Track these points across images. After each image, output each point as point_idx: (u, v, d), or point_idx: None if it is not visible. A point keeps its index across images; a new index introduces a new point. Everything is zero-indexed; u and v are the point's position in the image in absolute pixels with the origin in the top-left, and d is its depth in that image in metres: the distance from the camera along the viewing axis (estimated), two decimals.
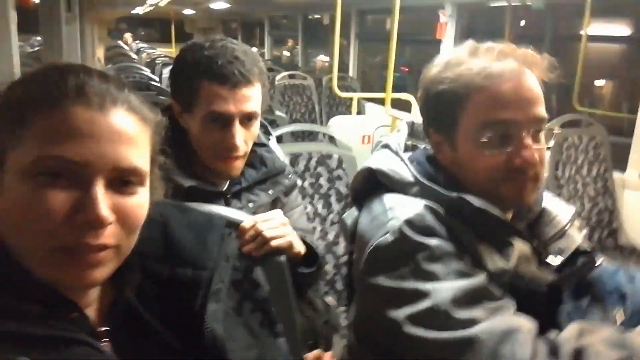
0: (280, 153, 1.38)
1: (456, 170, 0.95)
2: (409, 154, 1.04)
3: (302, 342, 1.09)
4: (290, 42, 9.90)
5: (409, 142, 1.10)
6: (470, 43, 0.95)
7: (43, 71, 0.63)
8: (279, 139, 2.03)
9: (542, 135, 0.91)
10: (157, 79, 4.79)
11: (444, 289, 0.82)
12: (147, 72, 4.96)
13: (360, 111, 4.70)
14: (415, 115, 1.01)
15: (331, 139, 2.30)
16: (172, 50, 11.57)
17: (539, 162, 0.89)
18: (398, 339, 0.83)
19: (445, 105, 0.92)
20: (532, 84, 0.89)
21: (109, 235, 0.59)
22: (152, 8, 9.81)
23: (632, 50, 4.47)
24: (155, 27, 15.44)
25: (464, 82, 0.90)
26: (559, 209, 1.03)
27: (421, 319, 0.81)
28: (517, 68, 0.89)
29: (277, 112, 3.36)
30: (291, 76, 5.80)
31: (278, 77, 5.64)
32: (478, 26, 5.16)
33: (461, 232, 0.88)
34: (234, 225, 1.01)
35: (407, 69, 7.20)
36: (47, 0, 3.58)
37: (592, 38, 3.81)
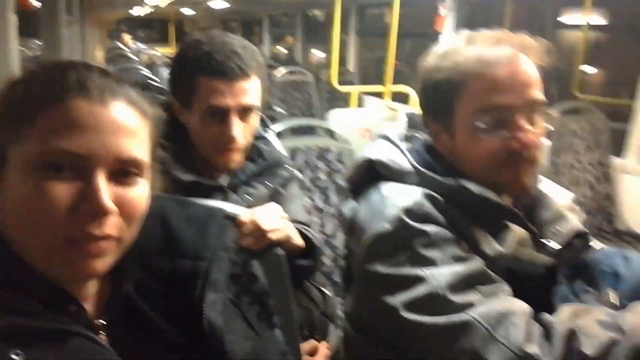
0: (280, 146, 1.38)
1: (455, 158, 0.95)
2: (408, 143, 1.05)
3: (298, 333, 1.10)
4: (289, 40, 9.89)
5: (408, 134, 1.11)
6: (466, 32, 0.95)
7: (44, 69, 0.64)
8: (278, 136, 2.03)
9: (539, 119, 0.91)
10: (157, 79, 4.79)
11: (441, 274, 0.82)
12: (147, 72, 4.96)
13: (360, 105, 4.69)
14: (414, 108, 1.02)
15: (330, 133, 2.30)
16: (172, 51, 11.57)
17: (536, 145, 0.89)
18: (395, 325, 0.84)
19: (443, 93, 0.93)
20: (528, 68, 0.89)
21: (112, 225, 0.60)
22: (152, 10, 9.81)
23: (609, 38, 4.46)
24: (155, 28, 15.41)
25: (461, 69, 0.90)
26: (555, 192, 1.03)
27: (418, 305, 0.82)
28: (513, 53, 0.89)
29: (277, 108, 3.36)
30: (290, 72, 5.79)
31: (277, 73, 5.63)
32: (478, 19, 5.14)
33: (460, 219, 0.88)
34: (232, 218, 1.02)
35: (396, 62, 7.22)
36: (47, 3, 3.59)
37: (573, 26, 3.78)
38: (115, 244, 0.62)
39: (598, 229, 2.77)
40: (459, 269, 0.83)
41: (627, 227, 2.82)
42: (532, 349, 0.76)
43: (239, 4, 9.14)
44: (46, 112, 0.59)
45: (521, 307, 0.81)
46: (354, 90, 4.34)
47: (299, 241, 1.16)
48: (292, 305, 1.07)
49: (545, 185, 1.04)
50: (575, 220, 1.01)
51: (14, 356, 0.54)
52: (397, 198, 0.90)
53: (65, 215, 0.57)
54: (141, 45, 11.43)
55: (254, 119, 1.20)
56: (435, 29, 4.60)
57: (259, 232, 1.04)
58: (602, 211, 2.81)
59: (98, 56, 9.44)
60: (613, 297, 0.93)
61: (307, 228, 1.27)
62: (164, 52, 10.49)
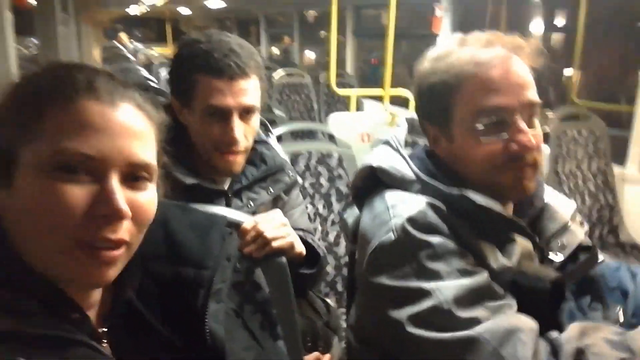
0: (281, 151, 1.37)
1: (455, 162, 0.95)
2: (409, 150, 1.04)
3: (301, 344, 1.08)
4: (286, 40, 9.88)
5: (409, 139, 1.10)
6: (458, 35, 0.96)
7: (50, 69, 0.63)
8: (279, 139, 2.02)
9: (536, 121, 0.91)
10: (154, 79, 4.77)
11: (447, 287, 0.81)
12: (144, 72, 4.94)
13: (359, 107, 4.69)
14: (414, 112, 1.01)
15: (330, 138, 2.29)
16: (169, 50, 11.54)
17: (536, 147, 0.89)
18: (400, 339, 0.83)
19: (439, 97, 0.92)
20: (521, 69, 0.89)
21: (125, 230, 0.60)
22: (148, 9, 9.79)
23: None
24: (151, 27, 15.39)
25: (455, 72, 0.90)
26: (560, 204, 1.02)
27: (424, 319, 0.81)
28: (505, 54, 0.90)
29: (276, 111, 3.35)
30: (289, 74, 5.78)
31: (275, 75, 5.61)
32: (474, 20, 5.15)
33: (463, 230, 0.88)
34: (234, 226, 1.01)
35: (375, 61, 7.31)
36: (43, 1, 3.57)
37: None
38: (125, 250, 0.61)
39: (600, 240, 2.76)
40: (464, 282, 0.82)
41: (631, 238, 2.80)
42: None
43: (235, 2, 9.13)
44: (56, 112, 0.58)
45: (528, 324, 0.80)
46: (352, 93, 4.33)
47: (301, 249, 1.14)
48: (296, 315, 1.05)
49: (550, 196, 1.03)
50: (581, 233, 1.00)
51: None
52: (401, 207, 0.89)
53: (80, 219, 0.57)
54: (138, 45, 11.41)
55: (255, 120, 1.19)
56: (432, 30, 4.60)
57: (261, 239, 1.02)
58: (604, 221, 2.79)
59: (95, 55, 9.40)
60: (621, 314, 0.92)
61: (310, 236, 1.26)
62: (161, 51, 10.46)
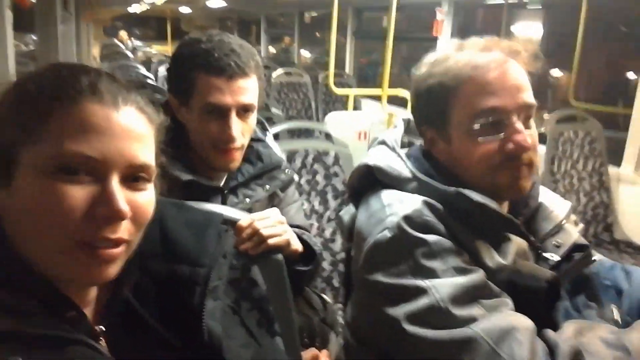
0: (278, 149, 1.38)
1: (452, 164, 0.95)
2: (406, 150, 1.04)
3: (298, 341, 1.09)
4: (287, 40, 9.88)
5: (406, 139, 1.11)
6: (455, 40, 0.97)
7: (53, 69, 0.63)
8: (276, 137, 2.03)
9: (532, 122, 0.92)
10: (152, 77, 4.77)
11: (443, 285, 0.82)
12: (142, 70, 4.94)
13: (356, 107, 4.70)
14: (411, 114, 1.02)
15: (327, 136, 2.30)
16: (169, 49, 11.53)
17: (532, 147, 0.90)
18: (396, 336, 0.83)
19: (436, 99, 0.93)
20: (518, 72, 0.91)
21: (124, 229, 0.60)
22: (149, 7, 9.78)
23: None
24: (151, 26, 15.39)
25: (452, 74, 0.91)
26: (555, 203, 1.03)
27: (420, 317, 0.81)
28: (502, 58, 0.91)
29: (274, 110, 3.35)
30: (287, 73, 5.78)
31: (274, 74, 5.62)
32: (474, 24, 5.18)
33: (459, 228, 0.88)
34: (230, 223, 1.01)
35: (364, 61, 7.45)
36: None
37: None
38: (125, 249, 0.62)
39: (595, 237, 2.78)
40: (461, 280, 0.82)
41: (625, 237, 2.82)
42: None
43: (236, 3, 9.13)
44: (59, 113, 0.59)
45: (525, 323, 0.80)
46: (351, 92, 4.34)
47: (298, 246, 1.15)
48: (293, 312, 1.05)
49: (545, 196, 1.04)
50: (575, 232, 1.01)
51: None
52: (397, 206, 0.90)
53: (81, 219, 0.57)
54: (138, 43, 11.39)
55: (252, 119, 1.20)
56: (433, 34, 4.61)
57: (258, 237, 1.03)
58: (599, 220, 2.82)
59: (94, 52, 9.39)
60: (616, 312, 0.93)
61: (307, 233, 1.27)
62: (161, 49, 10.45)
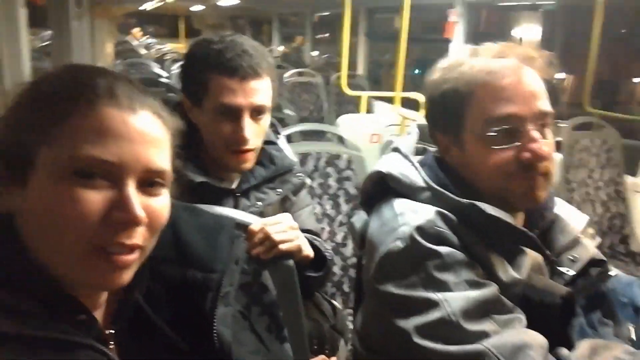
0: (290, 152, 1.37)
1: (466, 171, 0.94)
2: (420, 157, 1.03)
3: (307, 347, 1.08)
4: (298, 39, 9.89)
5: (420, 145, 1.09)
6: (469, 46, 0.96)
7: (70, 71, 0.63)
8: (288, 139, 2.02)
9: (548, 130, 0.90)
10: (166, 74, 4.79)
11: (455, 299, 0.80)
12: (156, 68, 4.96)
13: (369, 110, 4.68)
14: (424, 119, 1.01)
15: (340, 139, 2.29)
16: (181, 46, 11.59)
17: (548, 156, 0.88)
18: (406, 349, 0.82)
19: (450, 105, 0.92)
20: (533, 78, 0.89)
21: (139, 235, 0.60)
22: (161, 4, 9.83)
23: None
24: (164, 23, 15.47)
25: (466, 80, 0.90)
26: (572, 216, 1.01)
27: (430, 330, 0.80)
28: (517, 64, 0.90)
29: (286, 111, 3.35)
30: (299, 73, 5.78)
31: (287, 74, 5.62)
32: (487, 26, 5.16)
33: (473, 241, 0.87)
34: (242, 227, 1.00)
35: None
36: None
37: None
38: (139, 254, 0.62)
39: (611, 249, 2.74)
40: (473, 294, 0.81)
41: None
42: None
43: (248, 1, 9.15)
44: (76, 116, 0.58)
45: (537, 339, 0.79)
46: (363, 94, 4.33)
47: (309, 252, 1.14)
48: (302, 318, 1.05)
49: (561, 208, 1.01)
50: (592, 247, 0.99)
51: None
52: (410, 216, 0.89)
53: (97, 224, 0.57)
54: (151, 40, 11.46)
55: (266, 120, 1.20)
56: (445, 35, 4.59)
57: (269, 242, 1.02)
58: (615, 231, 2.77)
59: (108, 49, 9.44)
60: (632, 331, 0.90)
61: (318, 239, 1.26)
62: (174, 47, 10.50)
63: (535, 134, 0.87)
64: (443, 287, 0.82)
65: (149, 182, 0.62)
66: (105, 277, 0.59)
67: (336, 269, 1.93)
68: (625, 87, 5.79)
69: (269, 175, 1.27)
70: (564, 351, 0.80)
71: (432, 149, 1.06)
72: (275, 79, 1.21)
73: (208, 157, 1.20)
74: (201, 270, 0.73)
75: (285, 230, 1.06)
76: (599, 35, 3.48)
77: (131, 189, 0.59)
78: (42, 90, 0.61)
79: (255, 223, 1.04)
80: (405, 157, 0.98)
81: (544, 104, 0.89)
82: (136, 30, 11.29)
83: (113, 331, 0.66)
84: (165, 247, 0.72)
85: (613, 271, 0.97)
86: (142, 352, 0.67)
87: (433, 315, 0.80)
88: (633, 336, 0.91)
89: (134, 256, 0.60)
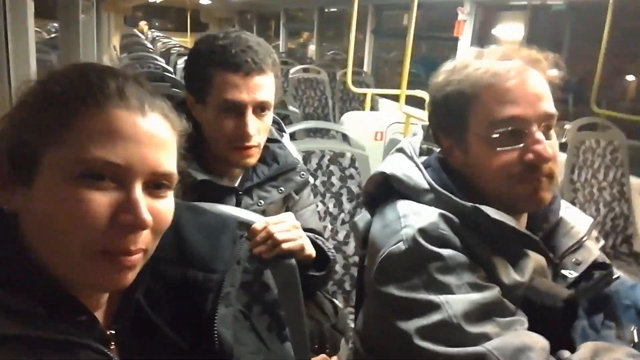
0: (294, 150, 1.37)
1: (469, 173, 0.94)
2: (424, 158, 1.03)
3: (308, 346, 1.08)
4: (305, 35, 9.88)
5: (424, 146, 1.09)
6: (474, 48, 0.96)
7: (79, 71, 0.62)
8: (292, 136, 2.02)
9: (553, 132, 0.90)
10: (171, 69, 4.79)
11: (457, 301, 0.80)
12: (162, 62, 4.96)
13: (373, 107, 4.68)
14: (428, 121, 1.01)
15: (344, 137, 2.29)
16: (188, 40, 11.58)
17: (553, 158, 0.88)
18: (407, 350, 0.82)
19: (454, 107, 0.92)
20: (538, 81, 0.89)
21: (144, 239, 0.60)
22: None
23: None
24: (171, 16, 15.48)
25: (471, 82, 0.90)
26: (576, 219, 1.01)
27: (432, 332, 0.80)
28: (522, 66, 0.89)
29: (290, 108, 3.35)
30: (305, 70, 5.77)
31: (292, 70, 5.61)
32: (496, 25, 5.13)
33: (476, 243, 0.87)
34: (245, 226, 1.00)
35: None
36: None
37: None
38: (143, 256, 0.61)
39: (613, 249, 2.73)
40: (475, 297, 0.81)
41: None
42: None
43: None
44: (85, 117, 0.58)
45: (539, 342, 0.79)
46: (369, 92, 4.32)
47: (311, 251, 1.14)
48: (304, 317, 1.05)
49: (565, 211, 1.01)
50: (596, 250, 0.98)
51: None
52: (413, 217, 0.89)
53: (103, 226, 0.57)
54: (157, 34, 11.46)
55: (269, 117, 1.20)
56: (455, 34, 4.57)
57: (272, 241, 1.02)
58: (618, 232, 2.77)
59: (114, 42, 9.46)
60: (635, 334, 0.90)
61: (321, 238, 1.26)
62: (180, 41, 10.50)
63: (539, 135, 0.86)
64: (445, 289, 0.82)
65: (155, 184, 0.61)
66: (109, 278, 0.59)
67: (338, 267, 1.93)
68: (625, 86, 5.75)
69: (272, 173, 1.27)
70: (565, 353, 0.80)
71: (437, 149, 1.06)
72: (280, 76, 1.21)
73: (211, 154, 1.20)
74: (202, 270, 0.73)
75: (288, 229, 1.06)
76: (608, 36, 3.45)
77: (138, 192, 0.59)
78: (50, 89, 0.60)
79: (258, 222, 1.04)
80: (410, 158, 0.98)
81: (549, 106, 0.88)
82: (143, 24, 11.30)
83: (114, 331, 0.66)
84: (167, 247, 0.72)
85: (616, 274, 0.96)
86: (142, 352, 0.67)
87: (434, 317, 0.80)
88: (636, 339, 0.91)
89: (137, 257, 0.60)
